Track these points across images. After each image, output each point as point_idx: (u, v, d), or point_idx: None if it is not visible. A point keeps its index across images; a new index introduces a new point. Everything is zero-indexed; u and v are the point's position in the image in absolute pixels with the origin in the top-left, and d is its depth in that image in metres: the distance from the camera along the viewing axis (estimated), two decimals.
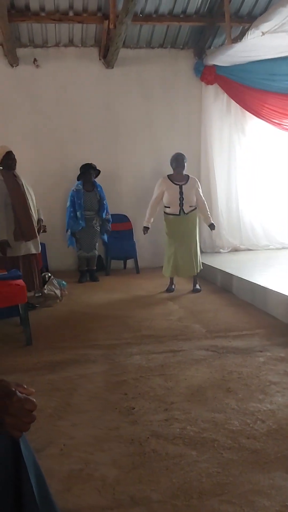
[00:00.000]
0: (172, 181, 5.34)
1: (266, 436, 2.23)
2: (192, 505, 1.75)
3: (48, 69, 6.81)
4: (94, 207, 6.39)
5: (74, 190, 6.38)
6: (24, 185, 4.86)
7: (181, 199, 5.27)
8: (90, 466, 2.02)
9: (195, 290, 5.49)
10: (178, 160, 5.37)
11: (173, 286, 5.58)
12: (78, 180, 6.45)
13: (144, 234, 5.55)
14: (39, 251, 5.00)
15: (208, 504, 1.76)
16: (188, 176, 5.42)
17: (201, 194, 5.47)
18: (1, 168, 4.75)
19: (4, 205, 4.64)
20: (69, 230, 6.41)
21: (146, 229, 5.50)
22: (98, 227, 6.49)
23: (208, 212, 5.54)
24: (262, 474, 1.94)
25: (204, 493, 1.82)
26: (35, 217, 4.92)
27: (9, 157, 4.74)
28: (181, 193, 5.28)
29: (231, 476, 1.92)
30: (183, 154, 5.45)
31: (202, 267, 5.57)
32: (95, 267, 6.55)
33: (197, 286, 5.53)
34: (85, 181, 6.40)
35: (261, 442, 2.18)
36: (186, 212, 5.31)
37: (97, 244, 6.55)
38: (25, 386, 1.07)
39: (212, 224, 5.55)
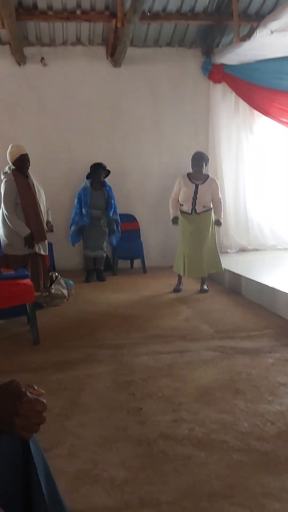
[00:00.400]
0: (190, 179, 5.35)
1: (276, 438, 2.20)
2: (202, 507, 1.73)
3: (55, 68, 6.81)
4: (101, 206, 6.37)
5: (82, 188, 6.39)
6: (35, 186, 4.85)
7: (195, 198, 5.26)
8: (98, 467, 2.00)
9: (202, 291, 5.45)
10: (195, 159, 5.37)
11: (181, 286, 5.56)
12: (87, 178, 6.46)
13: (174, 224, 5.51)
14: (47, 253, 5.00)
15: (217, 506, 1.74)
16: (208, 176, 5.43)
17: (219, 195, 5.43)
18: (14, 168, 4.74)
19: (14, 205, 4.65)
20: (73, 226, 6.38)
21: (175, 218, 5.46)
22: (106, 228, 6.47)
23: (220, 211, 5.44)
24: (273, 476, 1.91)
25: (213, 495, 1.80)
26: (44, 218, 4.92)
27: (23, 159, 4.73)
28: (195, 192, 5.27)
29: (240, 478, 1.90)
30: (202, 153, 5.47)
31: (222, 269, 5.48)
32: (103, 268, 6.49)
33: (205, 287, 5.49)
34: (94, 180, 6.40)
35: (271, 444, 2.15)
36: (198, 212, 5.29)
37: (104, 244, 6.48)
38: (36, 387, 1.06)
39: (218, 221, 5.43)
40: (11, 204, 4.63)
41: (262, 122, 7.26)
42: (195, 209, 5.28)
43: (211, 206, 5.36)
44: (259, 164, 7.31)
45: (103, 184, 6.44)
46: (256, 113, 7.21)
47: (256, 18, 6.40)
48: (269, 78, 6.98)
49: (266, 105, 7.11)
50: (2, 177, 4.78)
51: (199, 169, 5.35)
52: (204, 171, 5.45)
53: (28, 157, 4.78)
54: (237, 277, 5.44)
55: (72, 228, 6.41)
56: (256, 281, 4.93)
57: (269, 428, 2.29)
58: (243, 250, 7.28)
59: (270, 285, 4.62)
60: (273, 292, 4.52)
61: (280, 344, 3.55)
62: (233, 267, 5.78)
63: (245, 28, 6.59)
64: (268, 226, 7.41)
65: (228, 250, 7.20)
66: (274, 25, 5.15)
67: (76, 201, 6.41)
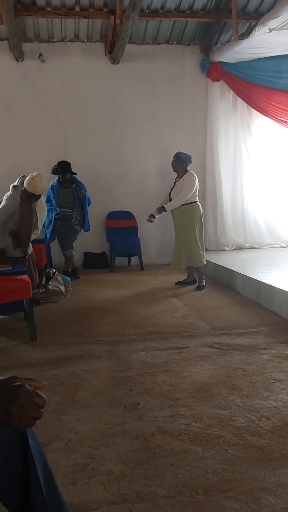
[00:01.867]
0: (174, 179, 5.60)
1: (272, 433, 2.22)
2: (198, 501, 1.75)
3: (53, 64, 6.80)
4: (70, 204, 6.08)
5: (49, 185, 6.05)
6: (35, 211, 4.73)
7: (170, 194, 5.56)
8: (96, 461, 2.02)
9: (198, 287, 5.52)
10: (174, 156, 5.59)
11: (190, 279, 5.75)
12: (53, 173, 6.12)
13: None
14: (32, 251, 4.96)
15: (214, 500, 1.75)
16: (186, 172, 5.51)
17: (186, 188, 5.41)
18: (23, 189, 4.57)
19: (6, 218, 4.62)
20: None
21: (150, 216, 5.69)
22: (78, 226, 6.21)
23: (176, 202, 5.44)
24: (268, 471, 1.93)
25: (209, 489, 1.82)
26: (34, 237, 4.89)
27: (38, 198, 4.63)
28: (172, 189, 5.56)
29: (236, 473, 1.92)
30: (178, 153, 5.59)
31: (201, 264, 5.52)
32: (70, 269, 6.08)
33: (201, 283, 5.54)
34: (62, 177, 6.09)
35: (267, 439, 2.17)
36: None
37: (75, 243, 6.20)
38: (36, 380, 1.07)
39: (162, 207, 5.52)
40: (3, 217, 4.62)
41: (260, 121, 7.28)
42: None
43: (188, 200, 5.43)
44: (257, 163, 7.33)
45: (73, 182, 6.16)
46: (254, 112, 7.23)
47: (255, 16, 6.42)
48: (267, 77, 7.01)
49: (264, 104, 7.13)
50: (10, 189, 4.68)
51: (174, 168, 5.58)
52: (185, 169, 5.51)
53: (41, 196, 4.76)
54: (234, 274, 5.46)
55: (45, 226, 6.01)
56: (253, 279, 4.95)
57: (264, 424, 2.31)
58: (240, 248, 7.31)
59: (266, 283, 4.65)
60: (269, 289, 4.54)
61: (276, 341, 3.57)
62: (230, 265, 5.80)
63: (243, 26, 6.61)
64: (265, 224, 7.44)
65: (225, 248, 7.23)
66: (272, 23, 5.17)
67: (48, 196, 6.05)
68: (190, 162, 5.58)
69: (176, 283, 5.72)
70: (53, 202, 6.06)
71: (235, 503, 1.73)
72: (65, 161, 6.13)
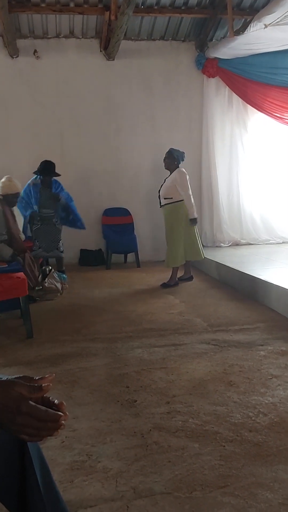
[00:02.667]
0: (166, 176, 5.57)
1: (268, 429, 2.23)
2: (195, 497, 1.75)
3: (48, 60, 6.77)
4: (52, 205, 5.83)
5: (32, 184, 5.84)
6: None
7: (159, 191, 5.50)
8: (93, 458, 2.02)
9: (180, 279, 5.63)
10: (167, 153, 5.53)
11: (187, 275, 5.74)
12: (36, 173, 5.88)
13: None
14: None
15: (211, 496, 1.76)
16: (176, 169, 5.43)
17: (184, 187, 5.31)
18: (1, 198, 4.78)
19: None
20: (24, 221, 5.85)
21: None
22: (61, 225, 5.99)
23: (191, 206, 5.34)
24: (265, 467, 1.94)
25: (207, 485, 1.82)
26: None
27: (18, 196, 4.95)
28: (161, 185, 5.51)
29: (233, 469, 1.92)
30: (171, 149, 5.52)
31: (201, 258, 5.58)
32: (63, 268, 5.97)
33: (185, 276, 5.68)
34: (44, 177, 5.86)
35: (263, 435, 2.18)
36: (161, 205, 5.51)
37: (60, 243, 5.94)
38: (37, 377, 0.99)
39: (193, 219, 5.38)
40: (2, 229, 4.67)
41: (256, 118, 7.28)
42: (160, 202, 5.51)
43: (175, 198, 5.35)
44: (253, 159, 7.33)
45: (52, 184, 5.92)
46: (250, 108, 7.22)
47: (250, 12, 6.40)
48: (263, 73, 7.00)
49: (259, 100, 7.12)
50: None
51: (165, 164, 5.52)
52: (176, 167, 5.43)
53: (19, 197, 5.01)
54: (230, 270, 5.46)
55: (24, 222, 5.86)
56: (250, 275, 4.96)
57: (261, 420, 2.31)
58: (236, 244, 7.32)
59: (263, 279, 4.65)
60: (266, 285, 4.54)
61: (272, 337, 3.58)
62: (227, 261, 5.81)
63: (239, 22, 6.58)
64: (261, 220, 7.45)
65: (222, 244, 7.24)
66: (268, 19, 5.15)
67: (23, 195, 5.67)
68: (183, 160, 5.50)
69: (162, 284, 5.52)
70: (32, 200, 5.81)
71: (232, 498, 1.74)
72: (49, 161, 5.85)
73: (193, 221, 5.36)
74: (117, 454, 2.04)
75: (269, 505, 1.70)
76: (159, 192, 5.53)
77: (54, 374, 1.02)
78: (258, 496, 1.75)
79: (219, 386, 2.72)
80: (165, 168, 5.55)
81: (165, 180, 5.53)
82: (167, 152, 5.51)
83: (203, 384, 2.76)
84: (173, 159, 5.44)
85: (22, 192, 5.40)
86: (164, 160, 5.53)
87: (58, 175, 5.90)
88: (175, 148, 5.56)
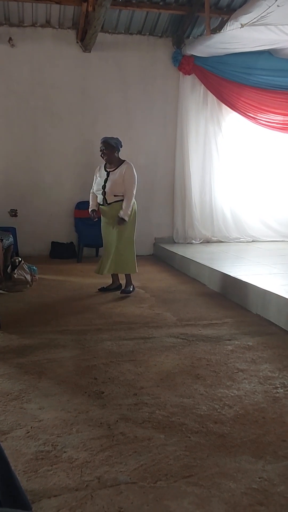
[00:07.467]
0: (104, 168, 4.80)
1: (233, 421, 2.26)
2: (160, 487, 1.77)
3: (23, 49, 6.64)
4: None
5: None
6: None
7: (104, 187, 4.71)
8: (58, 448, 2.01)
9: (122, 291, 4.91)
10: (104, 144, 4.69)
11: (116, 283, 5.08)
12: None
13: (92, 218, 4.94)
14: None
15: (175, 485, 1.77)
16: (123, 161, 4.75)
17: (130, 183, 4.68)
18: None
19: None
20: None
21: (92, 211, 4.92)
22: None
23: (128, 206, 4.65)
24: (229, 457, 1.97)
25: (171, 475, 1.84)
26: None
27: None
28: (106, 180, 4.72)
29: (198, 459, 1.95)
30: (106, 138, 4.71)
31: (134, 272, 4.88)
32: None
33: (128, 288, 4.91)
34: None
35: (228, 426, 2.21)
36: (108, 203, 4.71)
37: None
38: None
39: (122, 219, 4.62)
40: None
41: (230, 117, 7.34)
42: (106, 199, 4.71)
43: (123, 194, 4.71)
44: (226, 158, 7.40)
45: None
46: (224, 107, 7.29)
47: (227, 11, 6.45)
48: (238, 73, 7.08)
49: (234, 99, 7.20)
50: None
51: (106, 156, 4.70)
52: (119, 158, 4.76)
53: None
54: (201, 267, 5.51)
55: None
56: (219, 271, 5.02)
57: (226, 412, 2.35)
58: (207, 241, 7.39)
59: (232, 276, 4.72)
60: (235, 282, 4.61)
61: (240, 333, 3.63)
62: (198, 258, 5.86)
63: (216, 21, 6.64)
64: (232, 219, 7.54)
65: (193, 241, 7.29)
66: (244, 18, 5.21)
67: None
68: (121, 146, 4.78)
69: (99, 289, 5.00)
70: None
71: (196, 488, 1.76)
72: None
73: (122, 220, 4.62)
74: (82, 445, 2.04)
75: (232, 494, 1.73)
76: (103, 189, 4.70)
77: None
78: (221, 486, 1.78)
79: (186, 379, 2.74)
80: (107, 162, 4.73)
81: (108, 173, 4.71)
82: (103, 143, 4.66)
83: (171, 376, 2.78)
84: (112, 149, 4.65)
85: None
86: (102, 152, 4.68)
87: None
88: (108, 136, 4.77)
